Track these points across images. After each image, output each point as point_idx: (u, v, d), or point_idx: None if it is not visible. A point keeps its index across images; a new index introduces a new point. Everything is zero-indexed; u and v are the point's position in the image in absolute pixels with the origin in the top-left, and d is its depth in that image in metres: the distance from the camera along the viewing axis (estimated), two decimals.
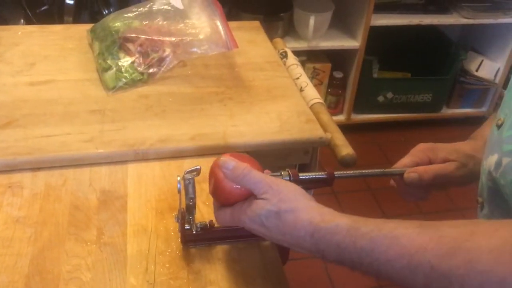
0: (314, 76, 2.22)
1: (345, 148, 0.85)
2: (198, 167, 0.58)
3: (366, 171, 0.70)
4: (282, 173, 0.61)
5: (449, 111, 2.43)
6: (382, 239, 0.48)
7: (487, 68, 2.36)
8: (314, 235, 0.52)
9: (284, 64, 1.07)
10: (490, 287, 0.41)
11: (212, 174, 0.59)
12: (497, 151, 0.58)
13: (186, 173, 0.58)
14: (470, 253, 0.43)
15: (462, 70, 2.39)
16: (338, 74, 2.26)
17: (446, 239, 0.45)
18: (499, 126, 0.59)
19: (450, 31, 2.43)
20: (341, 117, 2.33)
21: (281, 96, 0.95)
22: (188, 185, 0.59)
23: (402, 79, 2.40)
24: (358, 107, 2.32)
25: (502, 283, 0.40)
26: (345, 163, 0.84)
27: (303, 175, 0.63)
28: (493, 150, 0.59)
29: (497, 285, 0.41)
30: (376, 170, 0.72)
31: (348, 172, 0.69)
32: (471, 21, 2.21)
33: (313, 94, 0.97)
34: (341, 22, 2.23)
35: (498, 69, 2.34)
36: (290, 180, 0.61)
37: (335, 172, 0.67)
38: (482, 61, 2.37)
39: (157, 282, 0.61)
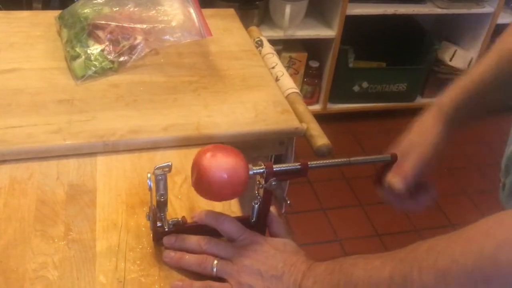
0: (290, 66, 2.21)
1: (320, 139, 0.84)
2: (169, 163, 0.56)
3: (339, 160, 0.69)
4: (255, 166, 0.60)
5: (423, 101, 2.45)
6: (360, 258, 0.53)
7: (461, 57, 2.39)
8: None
9: (260, 53, 1.05)
10: (443, 263, 0.44)
11: (196, 166, 0.57)
12: None
13: (156, 169, 0.56)
14: (429, 245, 0.48)
15: (436, 60, 2.41)
16: (314, 64, 2.25)
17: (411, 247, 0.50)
18: None
19: (425, 20, 2.44)
20: (317, 107, 2.33)
21: (256, 85, 0.93)
22: (159, 182, 0.57)
23: (377, 68, 2.41)
24: (333, 96, 2.32)
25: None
26: (321, 154, 0.83)
27: (277, 167, 0.61)
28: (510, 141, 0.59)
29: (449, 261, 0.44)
30: (350, 159, 0.71)
31: (322, 162, 0.68)
32: (445, 11, 2.23)
33: (289, 84, 0.95)
34: (317, 11, 2.22)
35: (471, 59, 2.37)
36: (264, 172, 0.60)
37: (309, 163, 0.66)
38: (455, 51, 2.40)
39: (128, 280, 0.58)
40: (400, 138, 0.74)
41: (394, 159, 0.72)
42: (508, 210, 0.44)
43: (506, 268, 0.41)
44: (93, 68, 0.90)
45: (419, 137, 0.72)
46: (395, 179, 0.68)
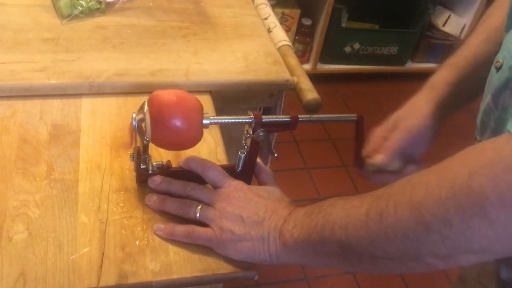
0: (282, 22, 2.16)
1: (310, 93, 0.82)
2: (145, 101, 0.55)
3: (330, 115, 0.67)
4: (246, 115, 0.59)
5: (413, 65, 2.44)
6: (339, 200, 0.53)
7: (454, 23, 2.36)
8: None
9: (253, 3, 1.02)
10: (418, 195, 0.44)
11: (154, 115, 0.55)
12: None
13: (139, 110, 0.55)
14: (406, 179, 0.47)
15: (429, 25, 2.38)
16: (307, 22, 2.21)
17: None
18: (498, 69, 0.57)
19: None
20: (307, 66, 2.30)
21: (248, 35, 0.91)
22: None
23: (370, 30, 2.37)
24: (324, 56, 2.29)
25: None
26: (310, 108, 0.82)
27: (266, 118, 0.60)
28: (487, 92, 0.58)
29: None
30: (338, 115, 0.68)
31: (312, 116, 0.67)
32: None
33: (281, 36, 0.93)
34: None
35: (464, 25, 2.35)
36: (253, 122, 0.59)
37: (299, 116, 0.65)
38: (449, 16, 2.37)
39: (110, 221, 0.58)
40: (389, 115, 0.69)
41: (360, 119, 0.67)
42: (483, 141, 0.43)
43: (479, 195, 0.39)
44: (80, 8, 0.87)
45: (409, 112, 0.68)
46: (378, 156, 0.65)
